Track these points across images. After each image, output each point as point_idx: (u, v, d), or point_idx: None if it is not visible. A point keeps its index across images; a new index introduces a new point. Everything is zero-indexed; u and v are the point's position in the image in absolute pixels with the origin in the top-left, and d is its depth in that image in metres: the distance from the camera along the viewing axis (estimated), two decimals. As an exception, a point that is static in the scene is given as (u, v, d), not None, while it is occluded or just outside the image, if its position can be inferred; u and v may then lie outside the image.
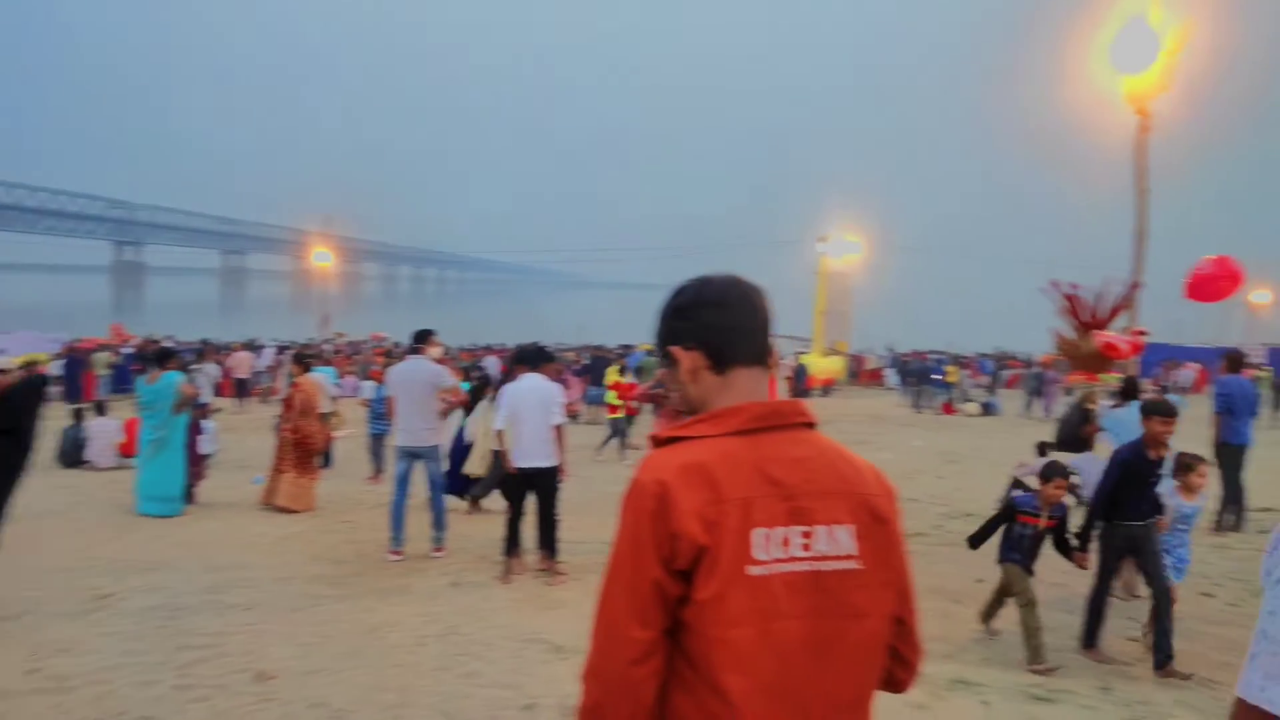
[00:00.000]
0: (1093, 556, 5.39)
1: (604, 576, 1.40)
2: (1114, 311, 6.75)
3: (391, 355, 16.27)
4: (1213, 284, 7.37)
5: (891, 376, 32.24)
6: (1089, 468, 9.49)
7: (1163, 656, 4.98)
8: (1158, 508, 5.35)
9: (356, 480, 11.52)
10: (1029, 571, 5.38)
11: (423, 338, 7.64)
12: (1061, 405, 18.92)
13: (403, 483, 7.33)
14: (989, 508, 10.65)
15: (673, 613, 1.35)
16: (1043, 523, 5.34)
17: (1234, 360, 9.50)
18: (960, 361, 31.93)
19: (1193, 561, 7.55)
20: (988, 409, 25.00)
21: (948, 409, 25.73)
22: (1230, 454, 8.91)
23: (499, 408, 7.09)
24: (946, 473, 14.61)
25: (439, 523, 7.46)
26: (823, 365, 29.01)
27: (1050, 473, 5.36)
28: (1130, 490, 5.21)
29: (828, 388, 29.83)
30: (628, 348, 28.99)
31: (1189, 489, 5.51)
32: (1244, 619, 6.06)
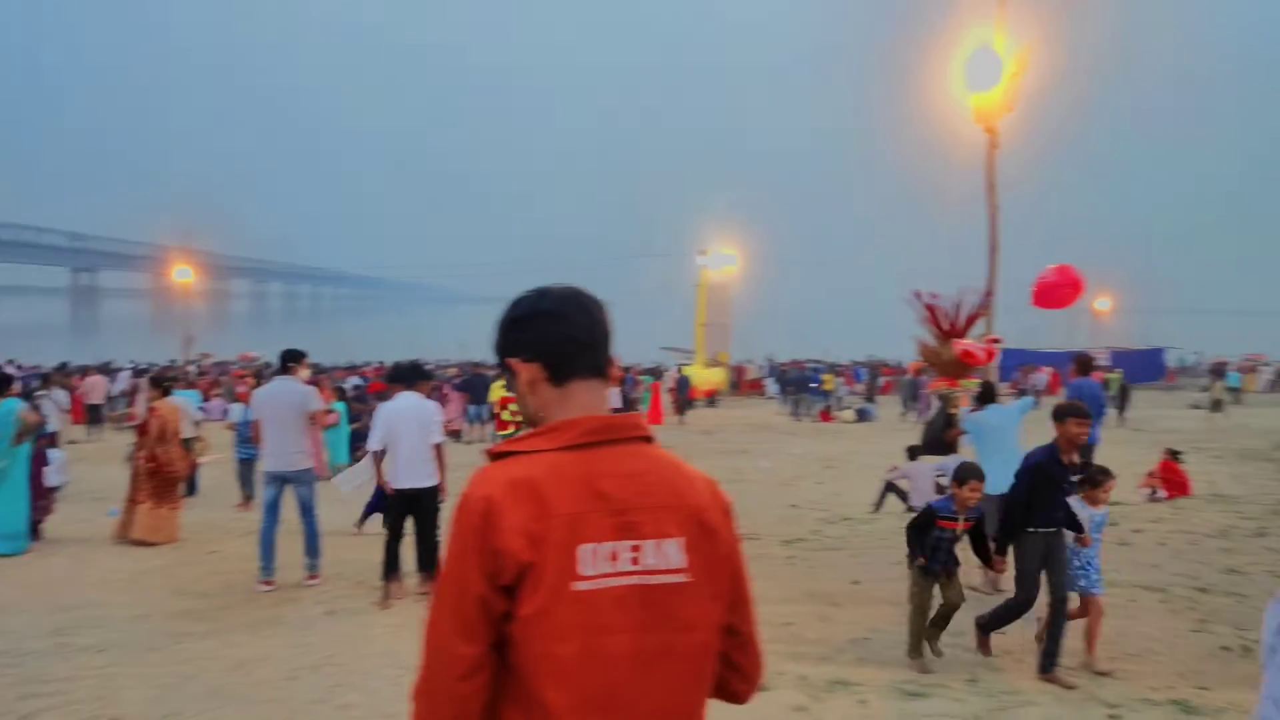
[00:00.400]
0: (1005, 562, 5.29)
1: (433, 593, 1.40)
2: (971, 320, 7.10)
3: (261, 377, 15.59)
4: (1056, 291, 7.87)
5: (771, 386, 33.08)
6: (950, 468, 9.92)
7: (1049, 662, 4.95)
8: (1070, 516, 5.22)
9: (225, 508, 10.96)
10: (950, 575, 5.33)
11: (291, 358, 7.34)
12: (935, 410, 19.81)
13: (272, 509, 7.01)
14: (864, 510, 11.07)
15: (499, 628, 1.36)
16: (960, 526, 5.23)
17: (1083, 363, 10.13)
18: (836, 370, 33.06)
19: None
20: (863, 415, 25.96)
21: (825, 416, 26.59)
22: (1080, 453, 9.49)
23: (374, 428, 6.88)
24: (825, 478, 15.07)
25: (312, 549, 7.16)
26: (705, 376, 29.50)
27: (965, 475, 5.20)
28: (1044, 495, 5.05)
29: (712, 398, 30.34)
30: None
31: (1094, 501, 5.48)
32: (1098, 608, 6.44)
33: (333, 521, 8.12)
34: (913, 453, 11.04)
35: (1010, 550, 5.22)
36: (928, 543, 5.26)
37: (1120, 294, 44.59)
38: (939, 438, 7.65)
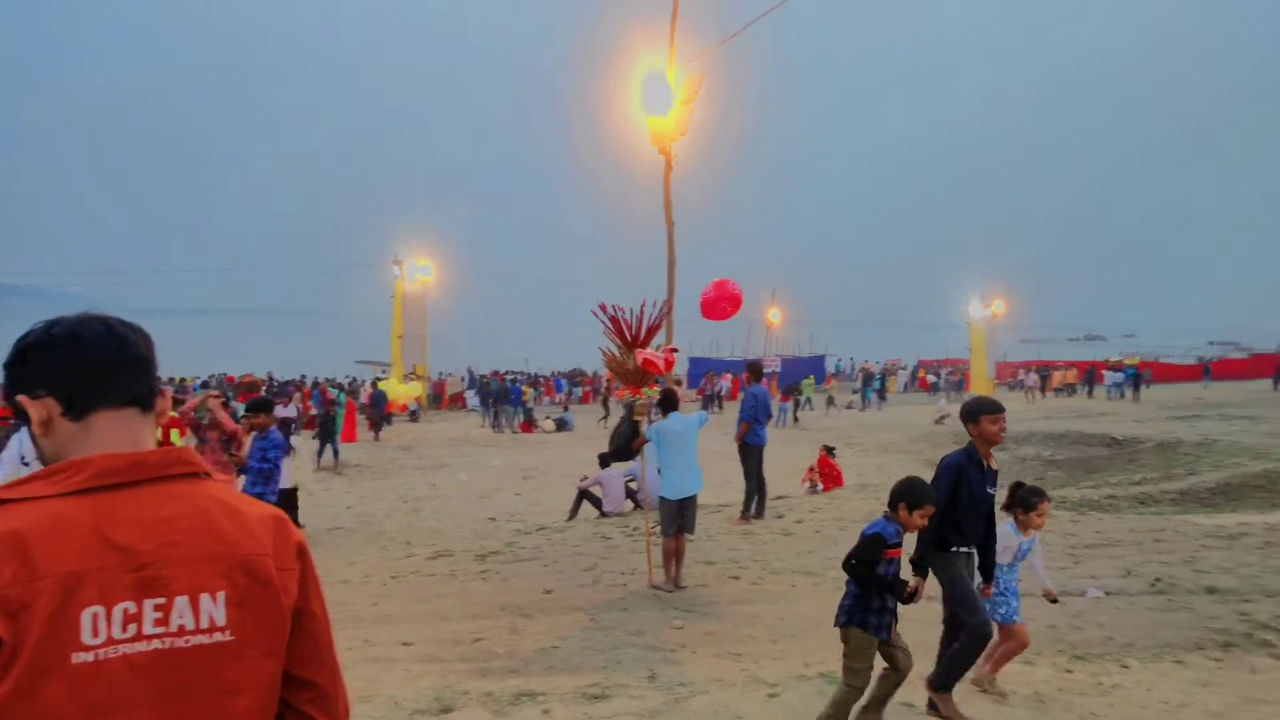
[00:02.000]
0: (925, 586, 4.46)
1: None
2: (651, 331, 7.46)
3: None
4: (717, 305, 8.50)
5: (472, 398, 32.80)
6: (639, 472, 10.38)
7: (948, 680, 4.44)
8: (991, 528, 4.64)
9: None
10: (890, 630, 4.12)
11: None
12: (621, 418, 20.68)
13: None
14: (560, 520, 11.26)
15: None
16: (900, 553, 4.20)
17: (755, 370, 11.06)
18: (536, 381, 33.51)
19: (725, 549, 8.67)
20: (562, 425, 26.50)
21: (526, 428, 26.81)
22: (751, 453, 10.34)
23: (2, 462, 5.84)
24: (523, 489, 15.18)
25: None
26: (402, 390, 28.57)
27: (922, 499, 4.10)
28: (964, 505, 4.48)
29: (413, 413, 29.47)
30: (183, 381, 26.02)
31: (1026, 527, 4.83)
32: (764, 596, 7.03)
33: None
34: (603, 460, 11.42)
35: (933, 574, 4.54)
36: (868, 590, 4.11)
37: (789, 307, 49.40)
38: (625, 445, 7.94)
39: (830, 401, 32.28)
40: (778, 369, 35.83)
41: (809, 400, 32.50)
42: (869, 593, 4.07)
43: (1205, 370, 45.00)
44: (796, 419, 27.70)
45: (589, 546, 8.93)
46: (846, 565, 4.13)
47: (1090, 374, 38.76)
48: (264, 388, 22.68)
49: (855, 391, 36.69)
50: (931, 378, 44.27)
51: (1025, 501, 4.80)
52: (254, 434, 7.16)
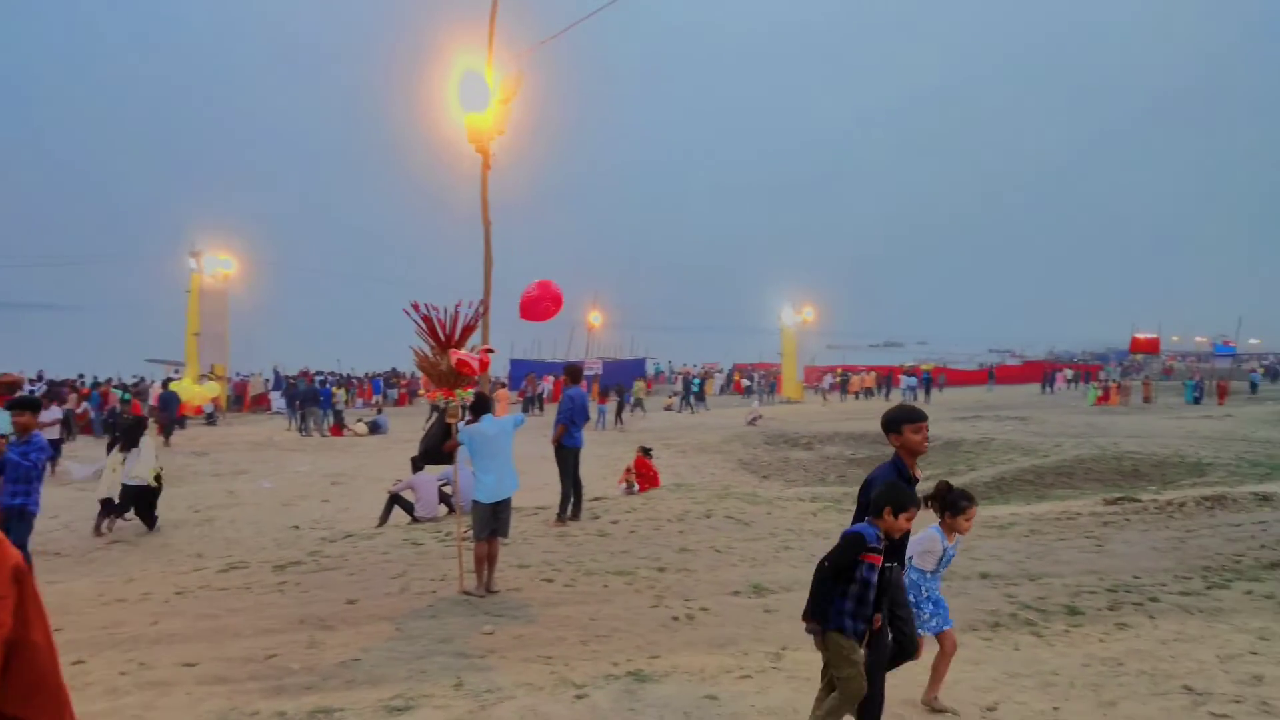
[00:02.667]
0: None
1: None
2: (466, 331, 7.28)
3: None
4: (538, 305, 8.44)
5: (277, 400, 31.02)
6: (455, 477, 10.14)
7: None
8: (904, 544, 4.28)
9: None
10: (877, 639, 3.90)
11: None
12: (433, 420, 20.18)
13: None
14: (370, 526, 10.82)
15: None
16: (879, 559, 3.86)
17: (574, 372, 11.06)
18: (349, 382, 32.14)
19: (540, 551, 8.62)
20: (375, 428, 25.54)
21: (336, 431, 25.63)
22: (567, 455, 10.33)
23: None
24: (331, 495, 14.49)
25: None
26: (197, 392, 26.60)
27: (907, 502, 3.87)
28: None
29: (209, 415, 27.50)
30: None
31: (953, 531, 4.58)
32: (577, 597, 7.02)
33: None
34: (416, 464, 11.09)
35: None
36: (851, 592, 3.80)
37: (611, 310, 49.99)
38: (436, 447, 7.72)
39: (639, 404, 33.06)
40: (599, 371, 36.20)
41: (639, 402, 33.06)
42: (843, 594, 3.79)
43: (990, 375, 49.52)
44: (620, 420, 28.01)
45: (398, 553, 8.62)
46: (820, 568, 3.83)
47: (887, 378, 41.62)
48: (25, 386, 20.54)
49: (675, 394, 37.57)
50: (746, 381, 46.01)
51: (954, 505, 4.54)
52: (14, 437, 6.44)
